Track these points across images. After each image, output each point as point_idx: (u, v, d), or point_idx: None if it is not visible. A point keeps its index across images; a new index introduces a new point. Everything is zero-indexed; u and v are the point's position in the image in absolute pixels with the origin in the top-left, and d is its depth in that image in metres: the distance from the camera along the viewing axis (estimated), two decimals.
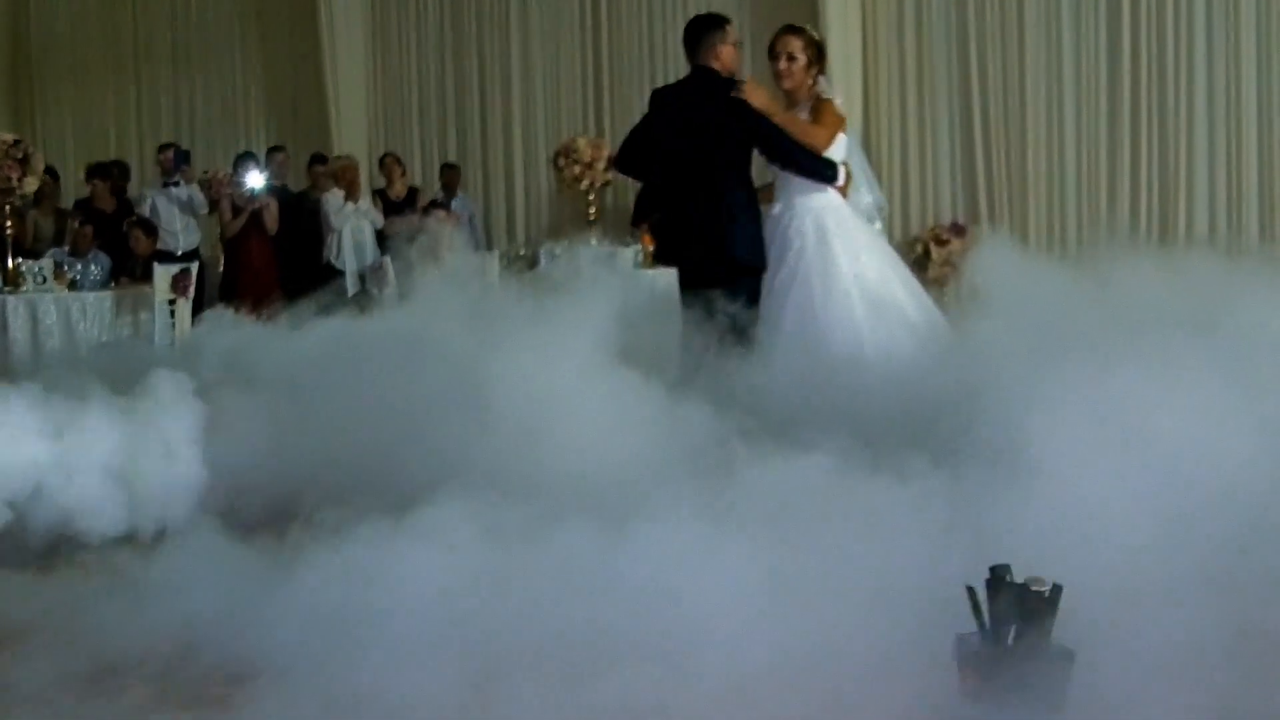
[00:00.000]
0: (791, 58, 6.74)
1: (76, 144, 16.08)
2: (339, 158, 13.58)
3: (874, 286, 6.54)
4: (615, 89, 14.44)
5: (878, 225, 7.31)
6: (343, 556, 3.93)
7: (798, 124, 6.56)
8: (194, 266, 10.77)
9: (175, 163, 12.95)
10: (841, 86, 12.71)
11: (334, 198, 12.98)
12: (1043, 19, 12.66)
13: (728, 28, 6.77)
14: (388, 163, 13.74)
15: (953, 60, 13.02)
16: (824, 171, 6.57)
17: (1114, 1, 12.37)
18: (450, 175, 14.33)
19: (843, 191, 6.75)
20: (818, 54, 6.81)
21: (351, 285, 12.92)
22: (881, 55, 13.22)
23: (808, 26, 7.05)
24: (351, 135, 14.95)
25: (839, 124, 6.68)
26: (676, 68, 13.82)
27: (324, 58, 15.02)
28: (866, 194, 7.07)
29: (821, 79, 6.79)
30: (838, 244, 6.52)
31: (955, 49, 13.00)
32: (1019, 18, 12.71)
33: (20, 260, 10.82)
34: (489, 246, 14.39)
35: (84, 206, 12.79)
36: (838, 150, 6.65)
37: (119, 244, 12.11)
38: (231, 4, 16.10)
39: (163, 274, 10.29)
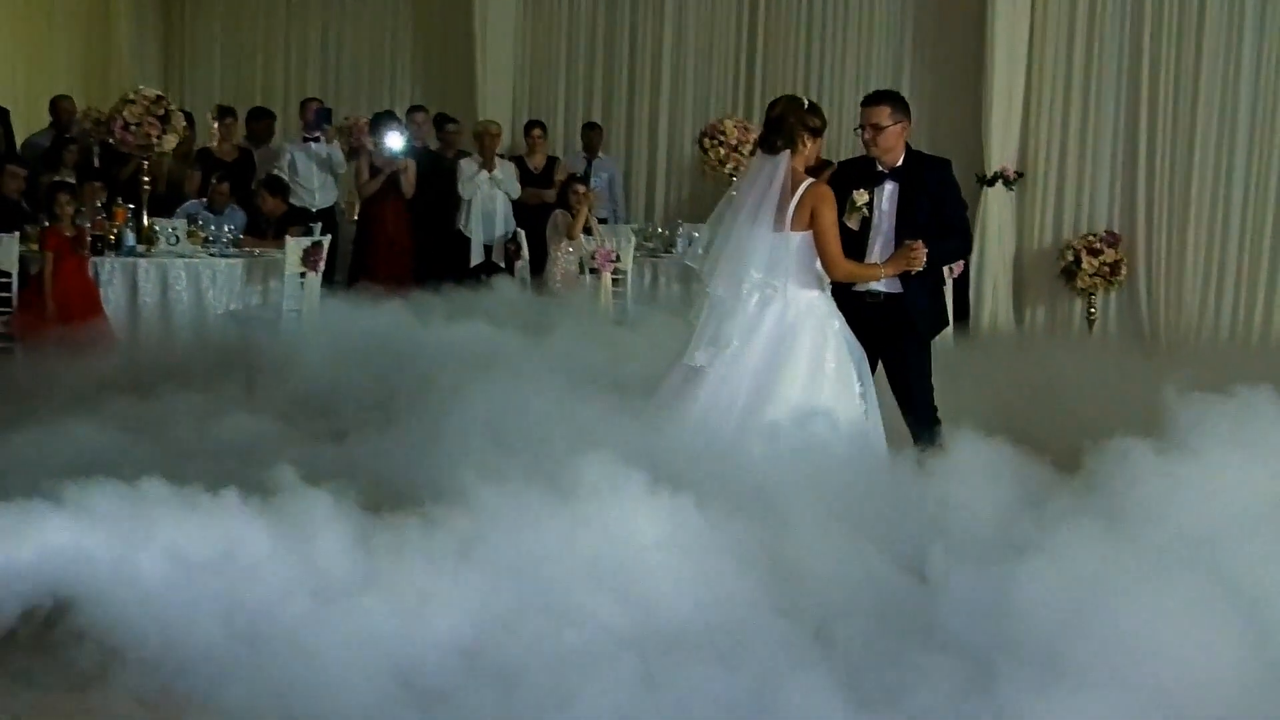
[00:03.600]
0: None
1: (223, 89, 15.98)
2: (482, 122, 13.39)
3: None
4: (767, 70, 14.04)
5: None
6: None
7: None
8: (326, 240, 10.63)
9: (317, 119, 12.84)
10: (1004, 87, 12.42)
11: (468, 165, 12.81)
12: (1222, 17, 12.04)
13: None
14: (533, 133, 13.48)
15: (1122, 61, 12.46)
16: None
17: None
18: (593, 135, 14.04)
19: None
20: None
21: (476, 256, 12.80)
22: (1048, 54, 12.67)
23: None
24: (496, 95, 14.69)
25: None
26: (832, 57, 13.60)
27: (474, 14, 14.75)
28: None
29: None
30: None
31: (1126, 49, 12.44)
32: (1198, 17, 12.11)
33: (154, 221, 10.82)
34: (627, 217, 14.16)
35: (204, 156, 12.67)
36: None
37: (244, 195, 12.06)
38: None
39: (294, 247, 10.16)
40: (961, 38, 13.04)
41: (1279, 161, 11.92)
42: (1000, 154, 12.65)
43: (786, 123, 6.08)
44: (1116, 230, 12.48)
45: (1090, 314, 12.49)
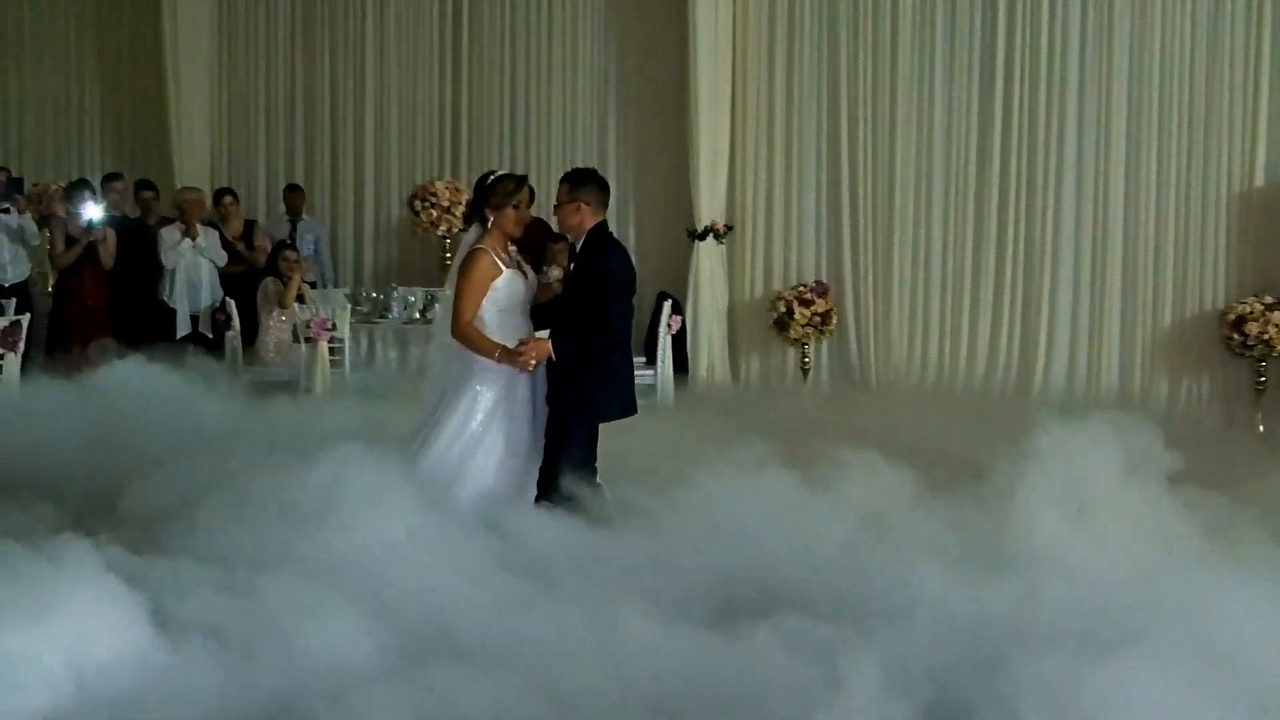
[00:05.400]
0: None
1: None
2: (184, 189, 12.89)
3: None
4: (473, 131, 13.94)
5: None
6: None
7: None
8: (25, 319, 10.03)
9: (7, 189, 12.19)
10: (709, 142, 12.59)
11: (170, 233, 12.34)
12: (914, 78, 12.45)
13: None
14: (224, 201, 12.98)
15: (822, 116, 12.75)
16: None
17: (987, 67, 12.25)
18: (295, 197, 13.71)
19: None
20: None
21: (182, 327, 12.36)
22: (750, 111, 12.91)
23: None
24: (192, 160, 14.21)
25: None
26: (537, 117, 13.58)
27: (166, 74, 14.23)
28: None
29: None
30: None
31: (825, 105, 12.73)
32: (891, 77, 12.50)
33: None
34: (335, 280, 13.85)
35: None
36: None
37: None
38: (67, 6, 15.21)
39: None
40: (666, 97, 13.18)
41: (973, 207, 12.34)
42: (709, 209, 12.80)
43: (475, 199, 6.67)
44: (825, 280, 12.76)
45: (804, 363, 12.74)
